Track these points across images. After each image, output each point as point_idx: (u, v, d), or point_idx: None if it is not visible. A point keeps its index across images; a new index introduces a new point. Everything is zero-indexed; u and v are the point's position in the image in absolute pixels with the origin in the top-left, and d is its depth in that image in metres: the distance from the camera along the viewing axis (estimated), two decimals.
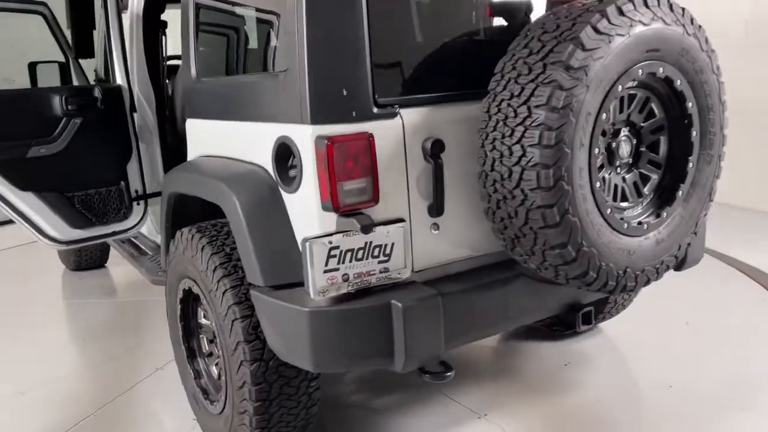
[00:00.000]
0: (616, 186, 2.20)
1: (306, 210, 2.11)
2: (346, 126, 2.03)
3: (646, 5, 2.01)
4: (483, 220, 2.30)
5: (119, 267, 5.62)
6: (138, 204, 3.57)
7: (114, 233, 3.52)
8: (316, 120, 2.02)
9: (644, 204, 2.27)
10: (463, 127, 2.23)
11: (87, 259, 5.45)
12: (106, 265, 5.67)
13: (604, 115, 2.00)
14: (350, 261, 2.06)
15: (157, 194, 3.65)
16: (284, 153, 2.18)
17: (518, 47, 2.04)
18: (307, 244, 1.99)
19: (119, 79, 3.48)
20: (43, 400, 3.31)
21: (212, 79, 2.80)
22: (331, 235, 2.03)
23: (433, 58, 2.26)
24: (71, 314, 4.66)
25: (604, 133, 2.07)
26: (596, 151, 2.01)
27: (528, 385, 3.19)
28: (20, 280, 5.52)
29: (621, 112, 2.13)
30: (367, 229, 2.01)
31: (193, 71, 2.79)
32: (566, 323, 2.59)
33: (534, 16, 2.47)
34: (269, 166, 2.26)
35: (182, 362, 2.92)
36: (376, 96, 2.08)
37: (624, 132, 2.18)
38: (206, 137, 2.76)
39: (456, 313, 2.15)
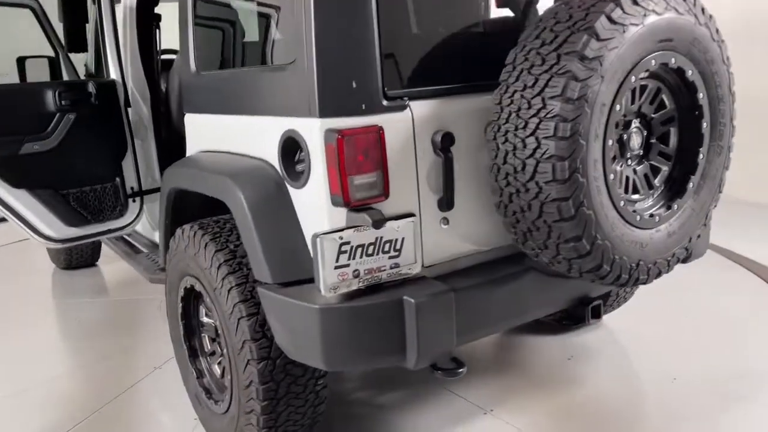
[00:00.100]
0: (627, 178, 2.18)
1: (314, 205, 2.07)
2: (355, 119, 1.99)
3: None
4: (492, 214, 2.27)
5: (110, 265, 5.55)
6: (134, 201, 3.51)
7: (109, 231, 3.46)
8: (324, 113, 1.98)
9: (655, 196, 2.25)
10: (472, 120, 2.20)
11: (78, 258, 5.37)
12: (97, 263, 5.59)
13: (617, 106, 1.97)
14: (361, 257, 2.02)
15: (153, 191, 3.59)
16: (291, 147, 2.14)
17: (530, 38, 2.00)
18: (318, 239, 1.94)
19: (113, 74, 3.41)
20: (40, 401, 3.24)
21: (213, 73, 2.74)
22: (341, 230, 1.98)
23: (442, 49, 2.22)
24: (63, 314, 4.58)
25: (616, 125, 2.05)
26: (610, 142, 1.98)
27: (532, 379, 3.17)
28: (9, 279, 5.43)
29: (632, 103, 2.11)
30: (378, 224, 1.97)
31: (193, 65, 2.73)
32: (575, 317, 2.57)
33: (543, 7, 2.43)
34: (275, 161, 2.22)
35: (184, 362, 2.86)
36: (386, 88, 2.04)
37: (635, 123, 2.16)
38: (207, 132, 2.71)
39: (468, 308, 2.12)
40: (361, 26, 1.99)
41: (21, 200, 3.14)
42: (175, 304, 2.81)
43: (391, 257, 2.07)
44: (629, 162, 2.18)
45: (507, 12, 2.49)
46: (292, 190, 2.17)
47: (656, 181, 2.24)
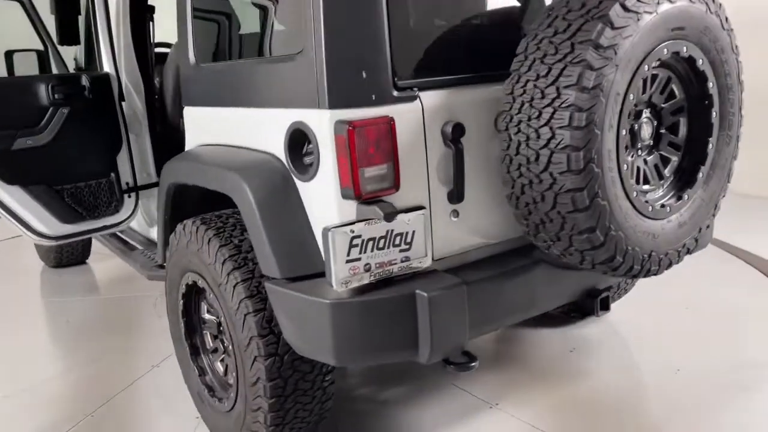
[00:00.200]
0: (638, 168, 2.16)
1: (324, 198, 2.03)
2: (365, 110, 1.95)
3: None
4: (502, 206, 2.25)
5: (101, 263, 5.47)
6: (129, 197, 3.44)
7: (105, 227, 3.40)
8: (334, 104, 1.94)
9: (665, 187, 2.24)
10: (482, 111, 2.17)
11: (68, 256, 5.28)
12: (87, 261, 5.51)
13: (631, 96, 1.95)
14: (372, 250, 1.98)
15: (148, 186, 3.53)
16: (298, 140, 2.09)
17: (542, 27, 1.97)
18: (330, 233, 1.91)
19: (107, 67, 3.34)
20: (37, 402, 3.18)
21: (214, 65, 2.69)
22: (352, 223, 1.95)
23: (451, 39, 2.19)
24: (55, 313, 4.48)
25: (628, 115, 2.03)
26: (623, 132, 1.96)
27: (536, 372, 3.15)
28: None
29: (643, 92, 2.09)
30: (390, 216, 1.94)
31: (192, 57, 2.67)
32: (583, 309, 2.56)
33: None
34: (281, 154, 2.17)
35: (185, 360, 2.81)
36: (396, 78, 2.00)
37: (645, 113, 2.14)
38: (207, 125, 2.65)
39: (480, 301, 2.10)
40: (371, 15, 1.95)
41: (14, 197, 3.07)
42: (176, 302, 2.76)
43: (401, 250, 2.04)
44: (639, 152, 2.17)
45: (516, 1, 2.46)
46: (299, 184, 2.13)
47: (666, 172, 2.23)
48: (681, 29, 2.01)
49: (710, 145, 2.23)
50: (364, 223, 1.96)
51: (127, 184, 3.42)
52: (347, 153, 1.90)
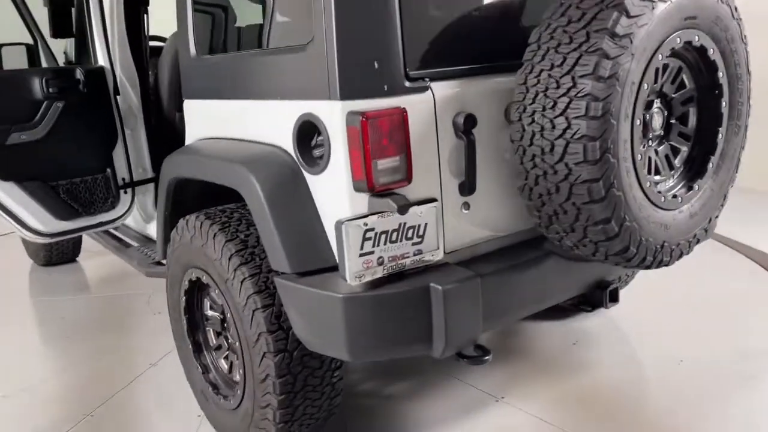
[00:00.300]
0: (649, 159, 2.15)
1: (334, 191, 1.99)
2: (378, 101, 1.92)
3: None
4: (512, 198, 2.24)
5: (91, 261, 5.39)
6: (125, 192, 3.38)
7: (101, 224, 3.33)
8: (345, 95, 1.90)
9: (675, 177, 2.23)
10: (492, 101, 2.15)
11: (58, 254, 5.19)
12: (77, 259, 5.42)
13: (645, 85, 1.94)
14: (385, 243, 1.96)
15: (145, 182, 3.47)
16: (307, 132, 2.06)
17: (555, 16, 1.95)
18: (343, 226, 1.88)
19: (101, 60, 3.27)
20: (34, 403, 3.12)
21: (216, 57, 2.63)
22: (365, 216, 1.92)
23: (462, 28, 2.16)
24: (47, 312, 4.39)
25: (642, 105, 2.01)
26: (638, 122, 1.95)
27: (540, 365, 3.15)
28: None
29: (655, 82, 2.07)
30: (403, 209, 1.91)
31: (192, 48, 2.62)
32: (592, 301, 2.55)
33: None
34: (289, 147, 2.13)
35: (188, 357, 2.77)
36: (407, 69, 1.97)
37: (656, 103, 2.13)
38: (209, 119, 2.60)
39: (493, 294, 2.08)
40: (383, 4, 1.92)
41: (8, 193, 3.00)
42: (178, 298, 2.71)
43: (414, 243, 2.01)
44: (650, 143, 2.16)
45: None
46: (308, 176, 2.09)
47: (676, 162, 2.22)
48: (693, 18, 2.00)
49: (720, 135, 2.22)
50: (377, 216, 1.93)
51: (123, 179, 3.36)
52: (360, 145, 1.87)
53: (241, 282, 2.20)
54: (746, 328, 3.41)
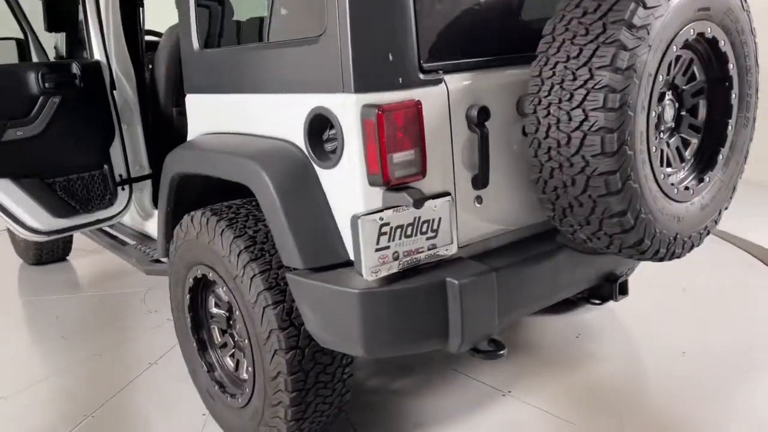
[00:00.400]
0: (661, 151, 2.15)
1: (348, 185, 1.97)
2: (392, 93, 1.89)
3: None
4: (523, 191, 2.24)
5: (82, 259, 5.32)
6: (123, 189, 3.33)
7: (98, 221, 3.28)
8: (360, 88, 1.88)
9: (686, 169, 2.23)
10: (504, 94, 2.13)
11: (48, 253, 5.11)
12: (67, 258, 5.34)
13: (660, 77, 1.93)
14: (400, 238, 1.93)
15: (142, 178, 3.42)
16: (319, 126, 2.03)
17: (569, 7, 1.93)
18: (359, 221, 1.85)
19: (97, 54, 3.21)
20: (31, 405, 3.07)
21: (221, 50, 2.58)
22: (381, 211, 1.89)
23: (474, 20, 2.14)
24: (40, 312, 4.30)
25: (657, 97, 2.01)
26: (653, 114, 1.94)
27: (544, 359, 3.15)
28: None
29: (668, 74, 2.07)
30: (419, 203, 1.89)
31: (195, 42, 2.57)
32: (601, 294, 2.55)
33: None
34: (299, 141, 2.10)
35: (192, 356, 2.73)
36: (421, 61, 1.95)
37: (668, 95, 2.13)
38: (213, 113, 2.56)
39: (508, 288, 2.06)
40: None
41: (4, 190, 2.94)
42: (182, 296, 2.67)
43: (428, 238, 1.99)
44: (662, 134, 2.15)
45: None
46: (320, 171, 2.06)
47: (687, 154, 2.22)
48: (707, 10, 2.00)
49: (729, 127, 2.22)
50: (392, 210, 1.91)
51: (121, 176, 3.31)
52: (375, 138, 1.85)
53: (251, 279, 2.17)
54: (747, 318, 3.44)
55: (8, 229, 3.18)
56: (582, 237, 2.08)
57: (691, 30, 1.99)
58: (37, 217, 3.03)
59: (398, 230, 1.93)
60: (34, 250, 5.03)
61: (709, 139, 2.24)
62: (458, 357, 3.08)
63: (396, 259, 1.94)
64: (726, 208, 2.33)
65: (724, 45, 2.12)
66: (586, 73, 1.83)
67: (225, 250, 2.25)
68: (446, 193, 2.02)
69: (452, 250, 2.05)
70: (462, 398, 2.84)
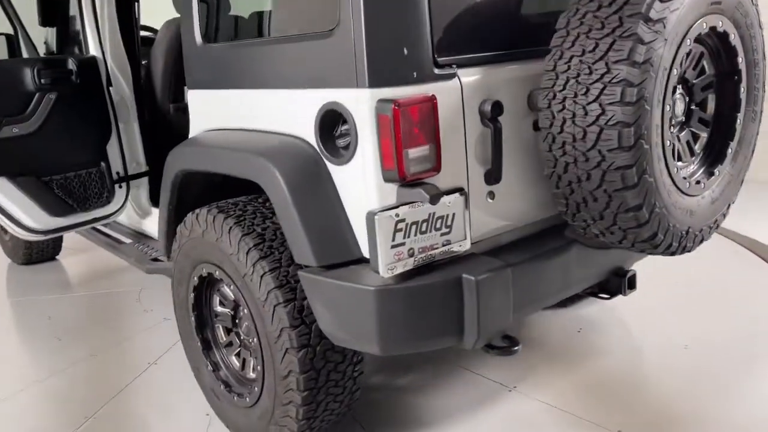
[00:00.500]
0: (672, 145, 2.15)
1: (362, 182, 1.94)
2: (407, 88, 1.87)
3: None
4: (534, 187, 2.24)
5: (71, 258, 5.24)
6: (120, 187, 3.27)
7: (95, 219, 3.23)
8: (375, 83, 1.85)
9: (695, 163, 2.23)
10: (516, 88, 2.12)
11: (38, 252, 5.02)
12: (57, 257, 5.25)
13: (674, 71, 1.93)
14: (415, 234, 1.92)
15: (139, 175, 3.37)
16: (331, 121, 2.00)
17: (583, 1, 1.92)
18: (376, 217, 1.83)
19: (93, 50, 3.15)
20: (28, 407, 3.01)
21: (226, 45, 2.54)
22: (397, 207, 1.88)
23: (486, 14, 2.13)
24: (31, 313, 4.22)
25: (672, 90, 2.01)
26: (668, 108, 1.94)
27: (548, 353, 3.15)
28: None
29: (680, 68, 2.07)
30: (435, 199, 1.87)
31: (198, 36, 2.53)
32: (609, 289, 2.56)
33: None
34: (310, 137, 2.07)
35: (196, 355, 2.69)
36: (436, 55, 1.93)
37: (679, 89, 2.13)
38: (217, 109, 2.52)
39: (522, 283, 2.05)
40: None
41: (0, 189, 2.87)
42: (185, 295, 2.63)
43: (442, 234, 1.98)
44: (673, 128, 2.15)
45: None
46: (331, 167, 2.04)
47: (696, 148, 2.23)
48: (719, 3, 2.00)
49: (738, 121, 2.23)
50: (408, 206, 1.89)
51: (118, 173, 3.25)
52: (391, 133, 1.82)
53: (261, 277, 2.14)
54: (746, 310, 3.46)
55: None
56: (595, 232, 2.07)
57: (704, 24, 1.98)
58: (33, 216, 2.97)
59: (413, 226, 1.91)
60: (24, 250, 4.94)
61: (718, 133, 2.25)
62: (463, 353, 3.07)
63: (411, 255, 1.92)
64: (734, 202, 2.34)
65: (734, 39, 2.12)
66: (603, 67, 1.82)
67: (233, 247, 2.22)
68: (460, 189, 2.01)
69: (466, 246, 2.04)
70: (468, 394, 2.83)
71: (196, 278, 2.53)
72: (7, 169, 2.88)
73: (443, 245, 1.98)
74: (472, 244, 2.09)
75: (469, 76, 2.01)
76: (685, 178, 2.10)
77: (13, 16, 3.78)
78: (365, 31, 1.83)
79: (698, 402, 2.68)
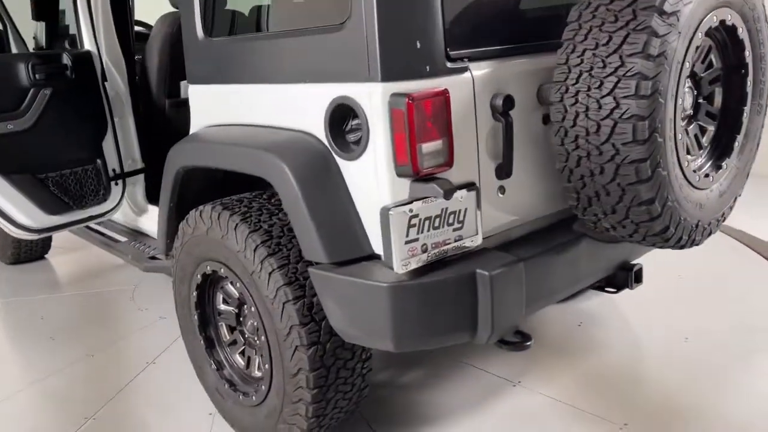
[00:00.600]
0: (681, 138, 2.15)
1: (374, 177, 1.92)
2: (420, 82, 1.85)
3: None
4: (544, 181, 2.23)
5: (60, 257, 5.16)
6: (116, 184, 3.22)
7: (91, 217, 3.17)
8: (387, 76, 1.83)
9: (703, 156, 2.24)
10: (526, 82, 2.11)
11: (26, 251, 4.93)
12: (45, 256, 5.17)
13: (687, 64, 1.93)
14: (428, 230, 1.90)
15: (136, 173, 3.32)
16: (342, 116, 1.98)
17: None
18: (390, 213, 1.81)
19: (87, 45, 3.10)
20: (26, 409, 2.97)
21: (230, 38, 2.50)
22: (410, 202, 1.85)
23: (497, 7, 2.11)
24: (22, 313, 4.14)
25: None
26: (680, 101, 1.94)
27: (550, 348, 3.15)
28: None
29: (691, 61, 2.07)
30: (449, 194, 1.86)
31: (200, 31, 2.48)
32: (616, 283, 2.56)
33: None
34: (319, 132, 2.05)
35: (199, 354, 2.66)
36: (448, 49, 1.91)
37: (687, 83, 2.13)
38: (220, 105, 2.48)
39: (534, 278, 2.04)
40: None
41: None
42: (188, 293, 2.60)
43: (455, 229, 1.96)
44: (682, 122, 2.15)
45: None
46: (341, 162, 2.01)
47: (704, 141, 2.23)
48: None
49: (745, 114, 2.23)
50: (421, 201, 1.87)
51: (114, 170, 3.20)
52: (405, 128, 1.80)
53: (269, 274, 2.11)
54: (744, 303, 3.49)
55: None
56: (606, 226, 2.07)
57: (714, 17, 1.99)
58: (29, 215, 2.91)
59: (426, 222, 1.89)
60: (12, 249, 4.85)
61: (725, 126, 2.25)
62: (466, 349, 3.06)
63: (425, 251, 1.90)
64: (740, 195, 2.35)
65: (742, 32, 2.13)
66: (617, 60, 1.81)
67: (240, 245, 2.19)
68: (472, 184, 1.99)
69: (477, 241, 2.02)
70: (473, 390, 2.83)
71: (199, 276, 2.49)
72: (1, 167, 2.81)
73: (455, 240, 1.97)
74: (483, 239, 2.08)
75: (480, 70, 1.99)
76: (694, 171, 2.10)
77: (1, 11, 3.71)
78: (378, 23, 1.81)
79: (699, 394, 2.70)
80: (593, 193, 1.98)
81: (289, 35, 2.17)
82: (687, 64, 1.93)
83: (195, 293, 2.56)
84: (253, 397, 2.40)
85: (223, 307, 2.55)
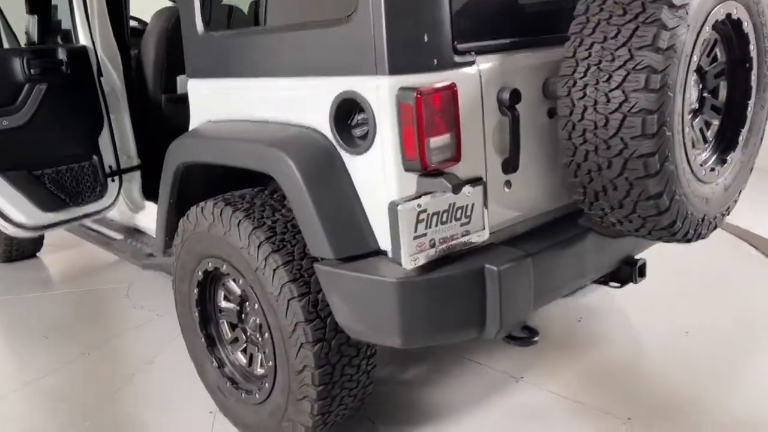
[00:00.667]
0: (688, 132, 2.14)
1: (381, 172, 1.90)
2: (428, 75, 1.83)
3: None
4: (550, 175, 2.21)
5: (53, 255, 5.10)
6: (113, 181, 3.18)
7: (87, 215, 3.13)
8: (395, 70, 1.81)
9: (708, 150, 2.24)
10: (532, 76, 2.09)
11: (18, 249, 4.87)
12: (37, 254, 5.11)
13: (694, 58, 1.92)
14: (436, 225, 1.88)
15: (132, 169, 3.28)
16: (347, 110, 1.95)
17: None
18: (399, 208, 1.79)
19: (82, 39, 3.05)
20: (31, 406, 2.93)
21: (231, 32, 2.47)
22: (418, 197, 1.84)
23: (505, 0, 2.09)
24: (15, 311, 4.08)
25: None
26: (688, 95, 1.93)
27: (551, 343, 3.15)
28: None
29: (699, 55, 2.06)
30: (457, 188, 1.84)
31: (200, 25, 2.45)
32: (620, 277, 2.56)
33: None
34: (324, 126, 2.02)
35: (200, 352, 2.63)
36: (455, 42, 1.89)
37: (693, 77, 2.12)
38: (221, 99, 2.45)
39: (541, 273, 2.03)
40: None
41: None
42: (189, 291, 2.57)
43: (462, 224, 1.95)
44: (688, 115, 2.15)
45: None
46: (347, 157, 1.99)
47: (709, 135, 2.23)
48: None
49: (749, 108, 2.23)
50: (429, 196, 1.86)
51: (110, 167, 3.16)
52: (413, 122, 1.78)
53: (274, 270, 2.09)
54: (742, 297, 3.50)
55: None
56: (612, 220, 2.06)
57: (721, 11, 1.98)
58: (24, 212, 2.87)
59: (434, 217, 1.88)
60: (4, 247, 4.79)
61: (730, 120, 2.25)
62: (469, 345, 3.05)
63: (432, 246, 1.89)
64: (744, 189, 2.35)
65: (747, 26, 2.12)
66: (626, 53, 1.80)
67: (243, 241, 2.16)
68: (479, 179, 1.98)
69: (484, 236, 2.01)
70: (476, 385, 2.82)
71: (200, 273, 2.46)
72: None
73: (463, 235, 1.95)
74: (490, 233, 2.07)
75: (487, 64, 1.97)
76: (701, 165, 2.10)
77: None
78: (385, 16, 1.78)
79: (701, 388, 2.70)
80: (600, 187, 1.97)
81: (294, 28, 2.14)
82: (695, 58, 1.92)
83: (196, 290, 2.53)
84: (257, 395, 2.38)
85: (224, 304, 2.53)
